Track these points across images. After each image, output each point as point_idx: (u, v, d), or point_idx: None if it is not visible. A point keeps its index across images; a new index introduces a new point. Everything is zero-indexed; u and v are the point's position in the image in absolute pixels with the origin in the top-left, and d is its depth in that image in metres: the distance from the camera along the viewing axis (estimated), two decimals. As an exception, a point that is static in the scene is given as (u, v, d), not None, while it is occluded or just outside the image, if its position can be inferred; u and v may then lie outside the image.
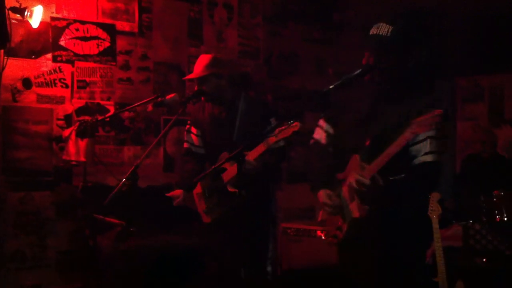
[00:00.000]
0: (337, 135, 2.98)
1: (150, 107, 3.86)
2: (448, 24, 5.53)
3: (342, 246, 2.96)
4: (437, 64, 5.22)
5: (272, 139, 3.53)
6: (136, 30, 4.98)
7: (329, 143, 3.01)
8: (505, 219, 4.14)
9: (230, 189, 3.67)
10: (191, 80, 4.08)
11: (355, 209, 2.78)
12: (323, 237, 4.23)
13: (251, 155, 3.59)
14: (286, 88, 5.80)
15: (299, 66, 5.95)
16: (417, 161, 2.72)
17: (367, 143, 2.78)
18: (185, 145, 4.06)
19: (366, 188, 2.66)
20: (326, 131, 3.03)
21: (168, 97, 3.80)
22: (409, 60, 2.82)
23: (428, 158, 2.70)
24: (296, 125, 3.30)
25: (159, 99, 3.83)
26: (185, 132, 4.09)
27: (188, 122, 4.06)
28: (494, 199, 4.19)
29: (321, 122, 3.05)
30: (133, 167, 3.51)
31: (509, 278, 3.92)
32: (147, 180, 4.65)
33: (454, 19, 5.43)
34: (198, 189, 3.91)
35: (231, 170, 3.67)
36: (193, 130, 4.01)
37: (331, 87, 2.76)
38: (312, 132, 3.11)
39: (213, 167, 3.37)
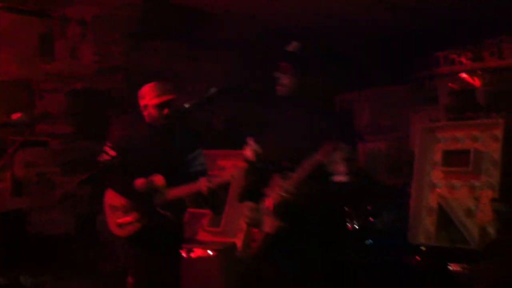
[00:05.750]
0: (263, 152, 3.10)
1: (-7, 128, 3.62)
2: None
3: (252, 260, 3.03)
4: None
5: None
6: (-22, 46, 4.68)
7: (257, 160, 3.12)
8: (356, 227, 4.40)
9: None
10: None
11: (267, 224, 2.89)
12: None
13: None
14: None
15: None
16: (333, 179, 2.85)
17: (283, 163, 2.88)
18: None
19: (291, 195, 2.76)
20: (253, 149, 3.15)
21: (14, 116, 3.58)
22: (316, 76, 2.99)
23: (343, 178, 2.84)
24: None
25: (4, 119, 3.61)
26: None
27: None
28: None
29: (249, 140, 3.17)
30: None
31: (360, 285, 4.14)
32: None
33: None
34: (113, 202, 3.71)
35: None
36: None
37: (186, 105, 2.93)
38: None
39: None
